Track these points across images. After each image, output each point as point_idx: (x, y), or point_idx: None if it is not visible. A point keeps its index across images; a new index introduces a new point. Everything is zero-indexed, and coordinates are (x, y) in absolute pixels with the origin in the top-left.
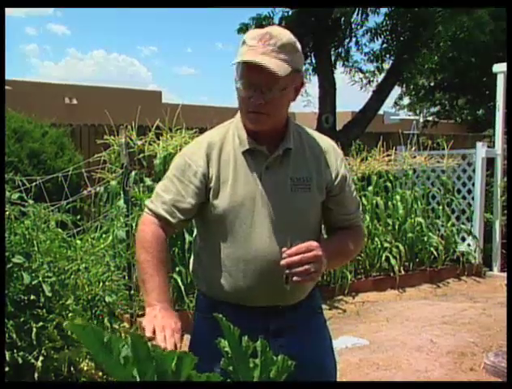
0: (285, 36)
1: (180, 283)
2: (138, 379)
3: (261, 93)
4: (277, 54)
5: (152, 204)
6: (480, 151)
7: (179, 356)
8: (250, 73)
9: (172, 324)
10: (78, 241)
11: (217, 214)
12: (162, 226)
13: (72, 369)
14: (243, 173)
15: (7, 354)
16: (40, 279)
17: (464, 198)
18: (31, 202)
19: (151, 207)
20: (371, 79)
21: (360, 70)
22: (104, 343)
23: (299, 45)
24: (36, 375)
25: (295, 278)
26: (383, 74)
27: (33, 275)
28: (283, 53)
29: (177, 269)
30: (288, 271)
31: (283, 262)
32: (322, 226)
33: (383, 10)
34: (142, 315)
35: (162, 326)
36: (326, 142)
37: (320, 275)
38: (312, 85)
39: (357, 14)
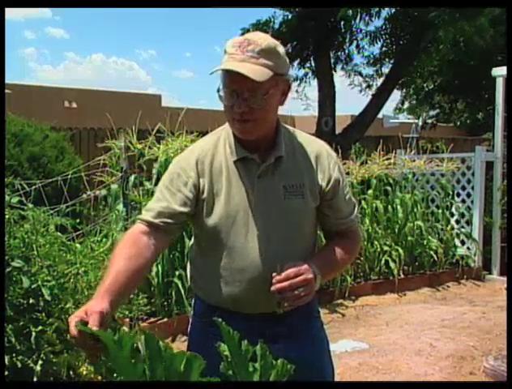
0: (265, 41)
1: (180, 286)
2: (147, 377)
3: (243, 100)
4: (256, 60)
5: (141, 215)
6: (480, 154)
7: (188, 358)
8: (231, 81)
9: (91, 308)
10: (78, 245)
11: (212, 224)
12: (147, 230)
13: (71, 373)
14: (235, 182)
15: (6, 358)
16: (40, 283)
17: (464, 201)
18: (30, 205)
19: (138, 216)
20: (370, 82)
21: (360, 74)
22: (115, 340)
23: (281, 49)
24: (35, 379)
25: (286, 303)
26: (383, 78)
27: (32, 279)
28: (263, 58)
29: (177, 273)
30: (279, 297)
31: (273, 288)
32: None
33: (383, 14)
34: (144, 319)
35: (81, 310)
36: (318, 145)
37: (312, 295)
38: (311, 89)
39: (359, 20)
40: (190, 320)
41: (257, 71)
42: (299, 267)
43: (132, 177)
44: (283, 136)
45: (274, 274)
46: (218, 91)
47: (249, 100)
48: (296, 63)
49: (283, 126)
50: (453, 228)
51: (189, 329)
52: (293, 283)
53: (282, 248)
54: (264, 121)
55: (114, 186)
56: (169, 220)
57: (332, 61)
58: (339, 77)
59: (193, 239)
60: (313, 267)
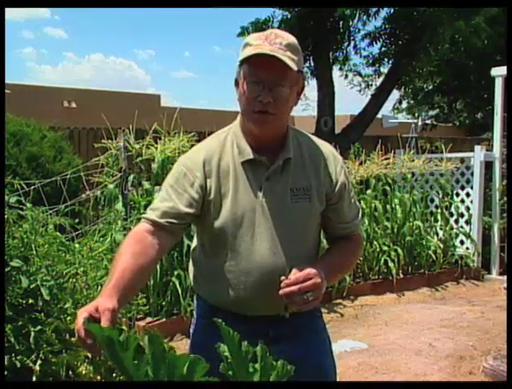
0: (289, 36)
1: (178, 286)
2: (149, 378)
3: (269, 91)
4: (284, 52)
5: (145, 214)
6: (479, 154)
7: (192, 360)
8: (258, 69)
9: (102, 304)
10: (77, 245)
11: (218, 226)
12: (151, 229)
13: (70, 372)
14: (243, 184)
15: (5, 358)
16: (39, 282)
17: (463, 201)
18: (29, 205)
19: (143, 215)
20: (369, 82)
21: (359, 74)
22: (120, 341)
23: (300, 48)
24: (34, 379)
25: (294, 307)
26: (382, 78)
27: (31, 278)
28: (290, 52)
29: (176, 273)
30: (287, 301)
31: (281, 292)
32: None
33: (382, 14)
34: (141, 319)
35: (91, 305)
36: (325, 148)
37: (320, 300)
38: (311, 89)
39: (358, 20)
40: (193, 321)
41: (289, 60)
42: (308, 271)
43: (131, 177)
44: (292, 138)
45: (282, 277)
46: (236, 83)
47: (274, 91)
48: None
49: (291, 128)
50: (452, 228)
51: (191, 330)
52: (302, 287)
53: (288, 251)
54: (282, 118)
55: (112, 186)
56: (174, 221)
57: (331, 61)
58: (339, 77)
59: (194, 239)
60: (320, 271)
